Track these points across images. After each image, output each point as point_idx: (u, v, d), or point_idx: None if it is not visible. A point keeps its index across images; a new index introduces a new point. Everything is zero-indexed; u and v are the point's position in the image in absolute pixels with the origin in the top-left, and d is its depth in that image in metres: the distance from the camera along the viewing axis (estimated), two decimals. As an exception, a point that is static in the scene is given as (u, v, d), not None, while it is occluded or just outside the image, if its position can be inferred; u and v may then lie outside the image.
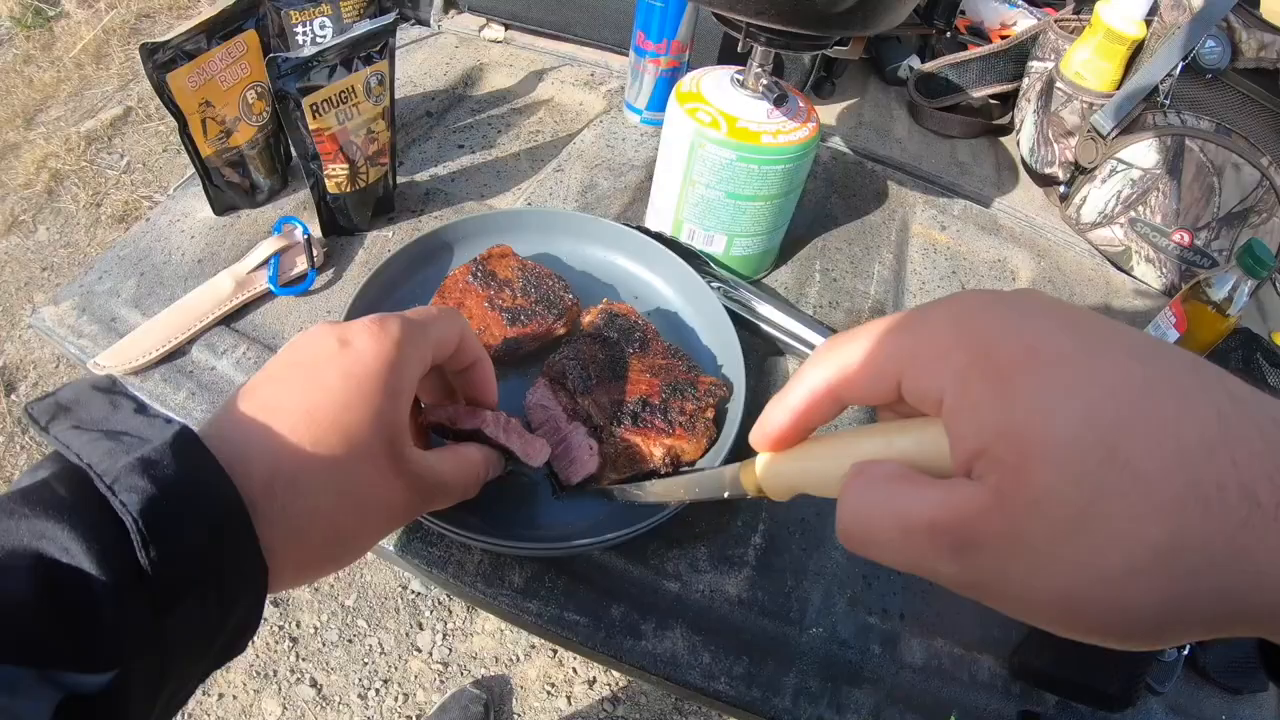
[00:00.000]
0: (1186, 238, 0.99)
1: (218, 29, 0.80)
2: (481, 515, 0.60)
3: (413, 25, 1.25)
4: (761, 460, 0.38)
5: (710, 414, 0.66)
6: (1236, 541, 0.23)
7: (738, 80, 0.79)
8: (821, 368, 0.33)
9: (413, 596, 1.75)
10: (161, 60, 0.76)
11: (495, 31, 1.25)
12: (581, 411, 0.64)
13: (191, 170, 0.88)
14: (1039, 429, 0.25)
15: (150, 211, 0.90)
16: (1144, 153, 0.99)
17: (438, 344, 0.47)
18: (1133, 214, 1.02)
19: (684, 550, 0.64)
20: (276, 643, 1.65)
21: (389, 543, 0.62)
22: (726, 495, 0.43)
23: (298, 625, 1.68)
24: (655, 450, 0.62)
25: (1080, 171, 1.07)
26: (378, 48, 0.85)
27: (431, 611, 1.73)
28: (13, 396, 1.92)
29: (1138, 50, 1.03)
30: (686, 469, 0.64)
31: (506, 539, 0.58)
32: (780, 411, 0.35)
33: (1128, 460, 0.24)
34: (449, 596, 1.74)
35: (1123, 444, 0.24)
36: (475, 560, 0.62)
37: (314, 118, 0.81)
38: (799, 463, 0.36)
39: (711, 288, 0.79)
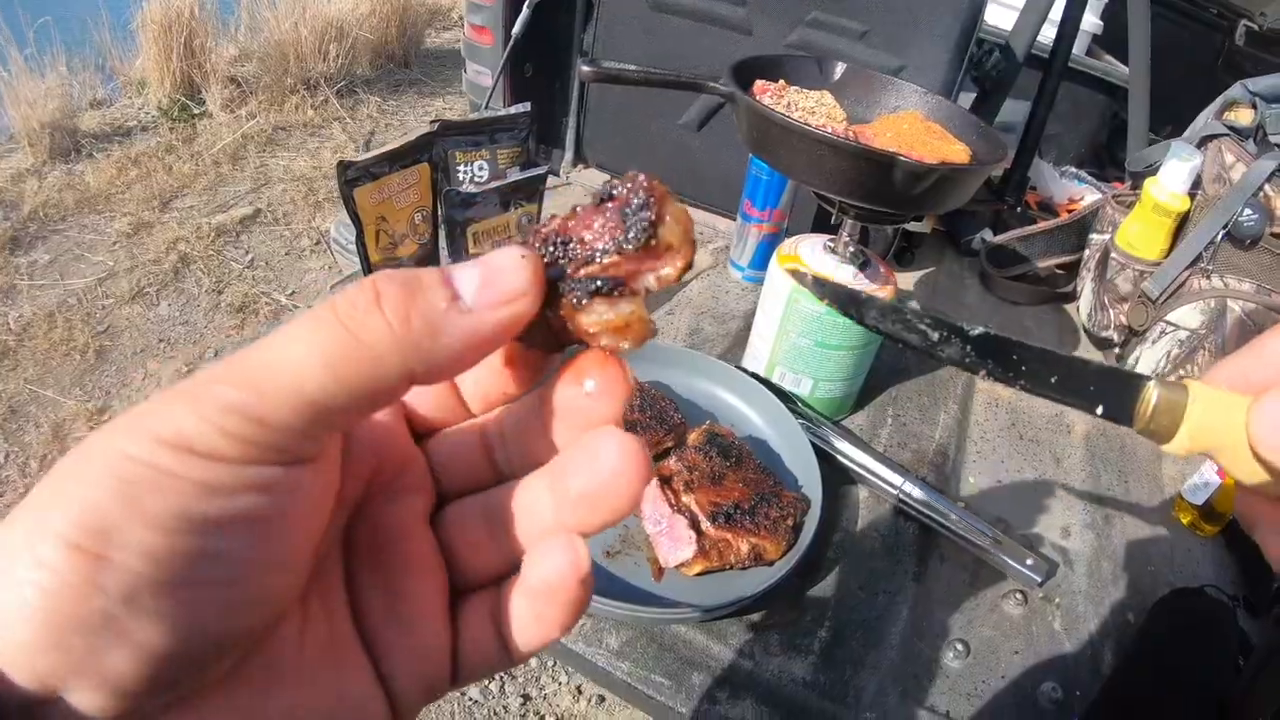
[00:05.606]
0: (1233, 393, 1.06)
1: (399, 158, 0.97)
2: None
3: (547, 174, 1.44)
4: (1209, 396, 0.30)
5: (790, 522, 0.77)
6: None
7: (829, 246, 0.94)
8: None
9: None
10: (351, 177, 0.92)
11: (617, 186, 1.43)
12: (684, 508, 0.75)
13: (347, 274, 1.03)
14: None
15: (315, 300, 1.05)
16: (1190, 315, 1.08)
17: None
18: (1181, 372, 1.10)
19: (759, 635, 0.74)
20: None
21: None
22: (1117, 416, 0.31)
23: None
24: (742, 546, 0.73)
25: (1133, 334, 1.17)
26: (529, 193, 1.02)
27: None
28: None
29: (1184, 221, 1.13)
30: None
31: (614, 599, 0.69)
32: None
33: None
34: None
35: None
36: (578, 622, 0.73)
37: (474, 244, 0.97)
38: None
39: (797, 423, 0.91)
